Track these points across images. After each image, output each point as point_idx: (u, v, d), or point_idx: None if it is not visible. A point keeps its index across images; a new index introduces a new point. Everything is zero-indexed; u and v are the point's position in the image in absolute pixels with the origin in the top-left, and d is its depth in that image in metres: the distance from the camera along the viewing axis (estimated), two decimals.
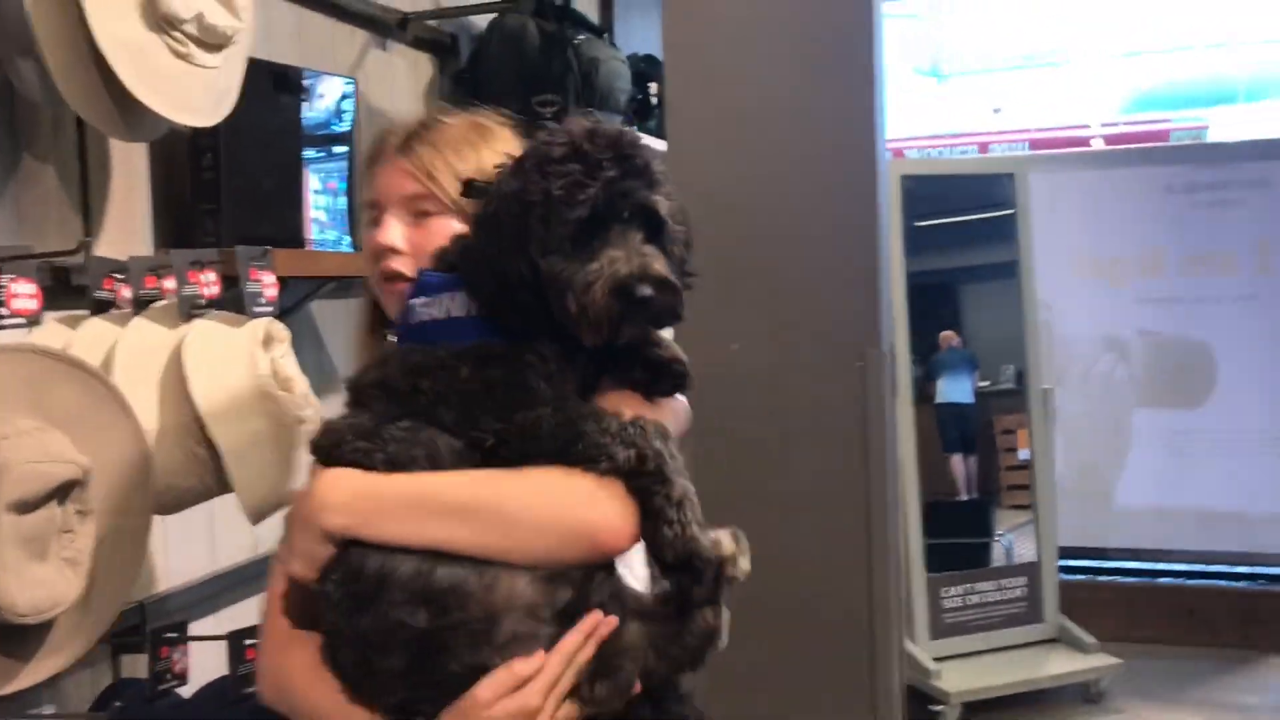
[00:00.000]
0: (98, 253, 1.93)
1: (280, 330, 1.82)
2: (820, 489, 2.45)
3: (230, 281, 1.86)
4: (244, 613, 2.36)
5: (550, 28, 3.14)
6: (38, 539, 1.46)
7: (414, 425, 1.09)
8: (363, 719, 1.07)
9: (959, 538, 4.31)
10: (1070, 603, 4.26)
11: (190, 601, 2.21)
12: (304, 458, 1.72)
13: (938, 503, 4.27)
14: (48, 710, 1.87)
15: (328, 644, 1.09)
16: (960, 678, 3.89)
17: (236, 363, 1.71)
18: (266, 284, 1.89)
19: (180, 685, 1.93)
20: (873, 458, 2.44)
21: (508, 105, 1.41)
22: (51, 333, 1.69)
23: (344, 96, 2.62)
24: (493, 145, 1.27)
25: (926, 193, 4.27)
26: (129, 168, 2.14)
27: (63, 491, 1.49)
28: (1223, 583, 4.66)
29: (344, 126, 2.62)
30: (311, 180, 2.54)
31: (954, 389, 4.53)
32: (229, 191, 2.20)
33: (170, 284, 1.79)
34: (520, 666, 1.04)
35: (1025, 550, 4.31)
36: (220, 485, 1.72)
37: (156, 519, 1.74)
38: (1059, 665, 4.06)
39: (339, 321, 2.70)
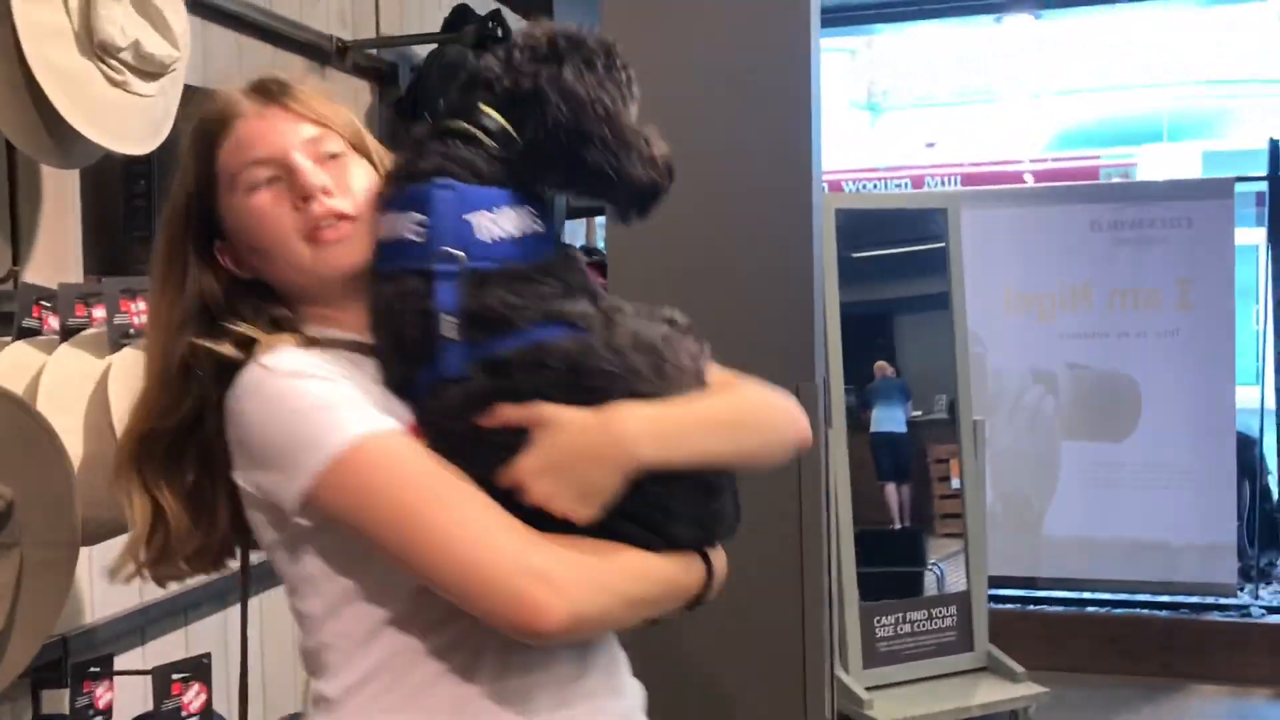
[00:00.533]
0: (26, 279, 1.91)
1: None
2: (754, 518, 2.47)
3: None
4: (172, 646, 2.32)
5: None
6: None
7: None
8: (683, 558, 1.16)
9: (893, 566, 4.35)
10: (999, 632, 4.32)
11: (116, 634, 2.17)
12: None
13: (872, 531, 4.32)
14: None
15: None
16: (892, 707, 3.92)
17: None
18: None
19: None
20: (807, 487, 2.47)
21: None
22: None
23: None
24: (339, 103, 1.26)
25: (861, 226, 4.34)
26: (60, 194, 2.11)
27: None
28: (1145, 611, 4.76)
29: None
30: None
31: (888, 418, 4.59)
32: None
33: (100, 313, 1.77)
34: None
35: (956, 579, 4.37)
36: None
37: (84, 549, 1.71)
38: (988, 694, 4.11)
39: None
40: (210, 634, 2.46)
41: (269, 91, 1.22)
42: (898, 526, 4.60)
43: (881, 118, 12.33)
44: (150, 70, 1.83)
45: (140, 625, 2.26)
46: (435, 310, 1.11)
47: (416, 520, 1.05)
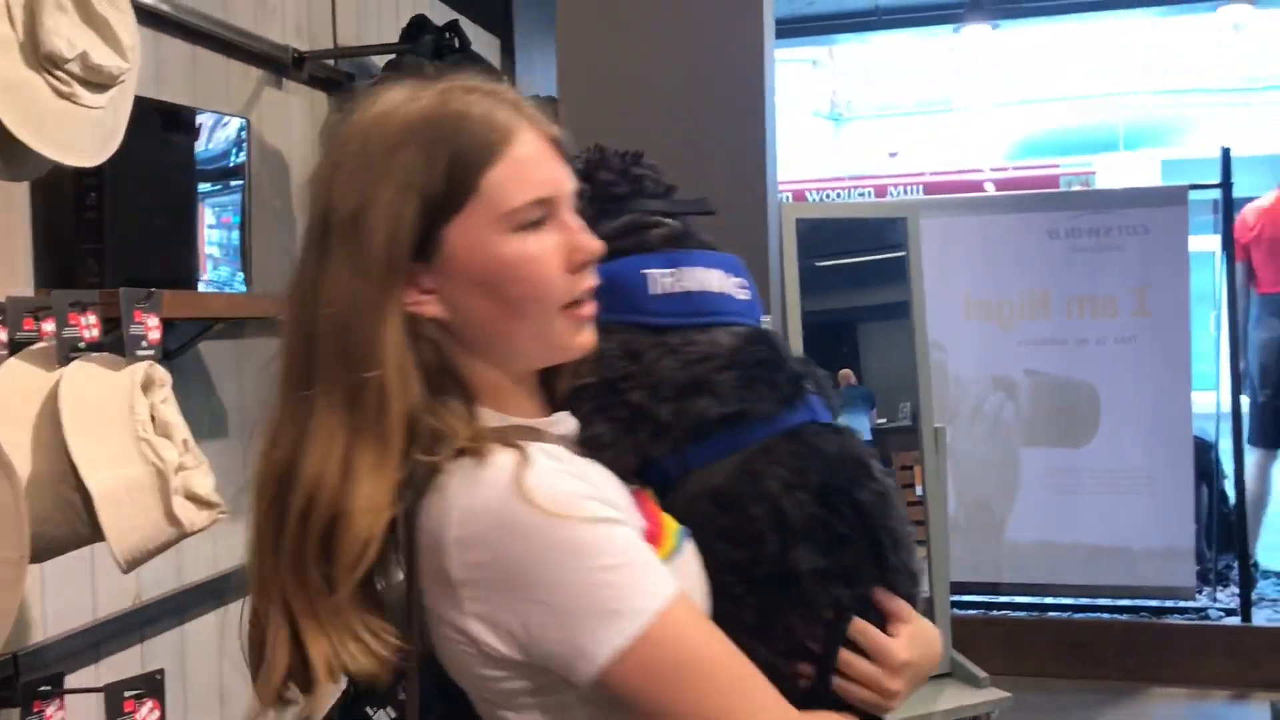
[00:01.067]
0: None
1: (161, 374, 1.79)
2: None
3: (112, 323, 1.83)
4: (126, 663, 2.30)
5: (448, 69, 3.15)
6: None
7: None
8: None
9: None
10: (962, 637, 4.34)
11: (69, 652, 2.14)
12: (183, 506, 1.69)
13: None
14: None
15: None
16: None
17: (114, 407, 1.68)
18: (150, 326, 1.86)
19: None
20: None
21: None
22: None
23: (240, 131, 2.60)
24: None
25: (822, 235, 4.35)
26: (10, 207, 2.09)
27: None
28: (1105, 615, 4.80)
29: (241, 159, 2.60)
30: (206, 215, 2.51)
31: (852, 426, 4.59)
32: (114, 231, 2.17)
33: (50, 326, 1.75)
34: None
35: (920, 586, 4.37)
36: (93, 533, 1.67)
37: (33, 566, 1.69)
38: (952, 700, 4.12)
39: (229, 363, 2.66)
40: (166, 650, 2.43)
41: (545, 120, 1.05)
42: None
43: (844, 127, 12.41)
44: (99, 82, 1.81)
45: (95, 642, 2.23)
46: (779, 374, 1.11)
47: (717, 705, 0.94)
